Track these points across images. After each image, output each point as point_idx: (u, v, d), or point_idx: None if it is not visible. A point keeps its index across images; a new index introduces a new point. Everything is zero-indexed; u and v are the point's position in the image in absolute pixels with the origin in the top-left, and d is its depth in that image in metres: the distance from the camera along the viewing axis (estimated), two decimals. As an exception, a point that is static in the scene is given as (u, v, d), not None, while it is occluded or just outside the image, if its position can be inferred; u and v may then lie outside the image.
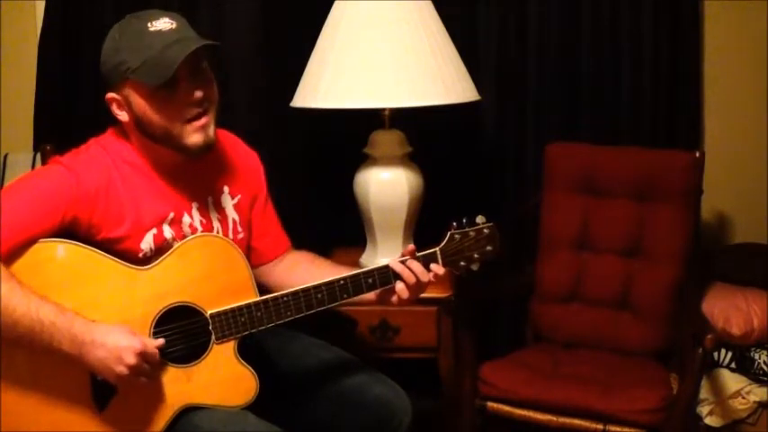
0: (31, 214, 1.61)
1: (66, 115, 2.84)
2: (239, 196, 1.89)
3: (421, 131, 2.60)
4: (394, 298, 1.79)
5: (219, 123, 1.76)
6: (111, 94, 1.69)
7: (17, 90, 2.95)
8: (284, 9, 2.78)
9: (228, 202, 1.86)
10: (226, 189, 1.86)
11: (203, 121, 1.68)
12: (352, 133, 2.54)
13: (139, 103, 1.66)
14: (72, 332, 1.56)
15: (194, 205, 1.79)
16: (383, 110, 2.44)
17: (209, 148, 1.73)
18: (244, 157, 1.95)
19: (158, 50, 1.61)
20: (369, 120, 2.47)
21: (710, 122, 2.89)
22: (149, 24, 1.64)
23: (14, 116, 2.97)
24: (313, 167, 2.88)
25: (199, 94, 1.66)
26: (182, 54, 1.60)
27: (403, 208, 2.45)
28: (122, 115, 1.70)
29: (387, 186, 2.44)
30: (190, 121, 1.67)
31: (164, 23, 1.65)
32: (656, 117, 2.77)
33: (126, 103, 1.68)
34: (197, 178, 1.80)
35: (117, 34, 1.68)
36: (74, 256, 1.63)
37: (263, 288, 1.77)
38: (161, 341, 1.63)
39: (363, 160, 2.51)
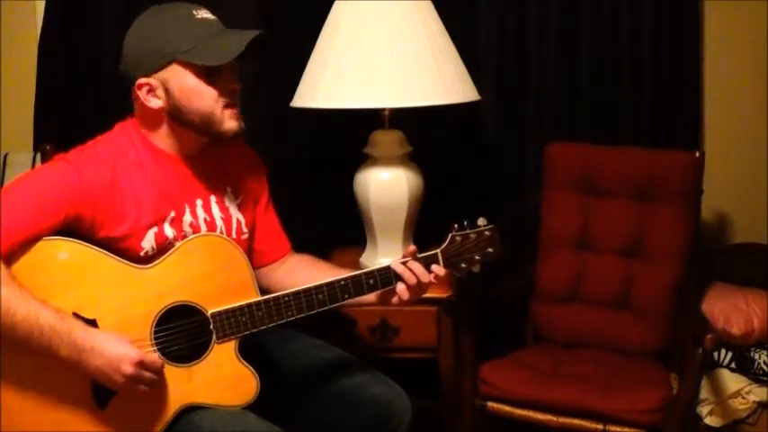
0: (35, 212, 1.61)
1: (66, 115, 2.84)
2: (242, 197, 1.89)
3: (421, 131, 2.60)
4: (395, 299, 1.79)
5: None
6: (143, 80, 1.68)
7: (17, 90, 2.96)
8: (284, 9, 2.78)
9: (232, 202, 1.86)
10: (229, 189, 1.87)
11: (237, 109, 1.73)
12: (352, 133, 2.54)
13: (182, 84, 1.67)
14: (71, 338, 1.56)
15: (198, 202, 1.79)
16: (383, 110, 2.44)
17: (241, 134, 1.76)
18: (247, 160, 1.95)
19: (211, 36, 1.66)
20: (369, 120, 2.47)
21: (710, 122, 2.89)
22: (195, 12, 1.68)
23: (14, 116, 2.97)
24: (313, 167, 2.88)
25: (237, 85, 1.72)
26: (242, 42, 1.65)
27: (403, 208, 2.45)
28: (154, 101, 1.70)
29: (387, 186, 2.44)
30: (227, 107, 1.70)
31: (207, 14, 1.70)
32: (656, 117, 2.77)
33: (162, 88, 1.68)
34: (202, 177, 1.80)
35: (158, 18, 1.69)
36: (76, 255, 1.63)
37: (263, 290, 1.77)
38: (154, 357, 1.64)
39: (363, 160, 2.51)
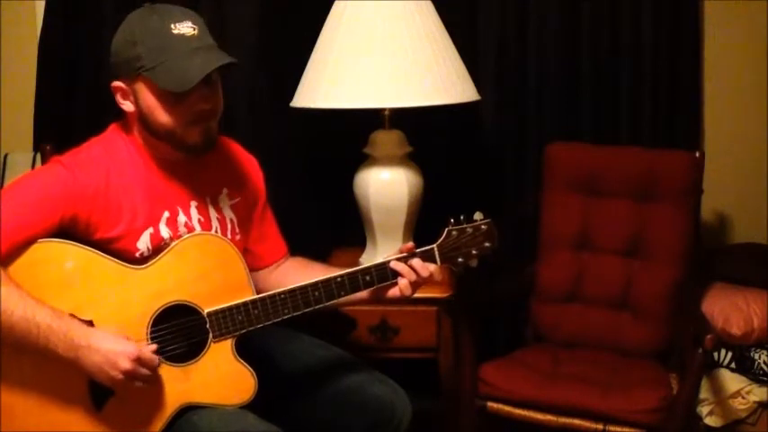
0: (31, 214, 1.61)
1: (66, 115, 2.84)
2: (238, 199, 1.89)
3: (421, 131, 2.60)
4: (392, 291, 1.79)
5: (220, 124, 1.76)
6: (118, 83, 1.69)
7: (17, 90, 2.96)
8: (284, 9, 2.78)
9: (226, 203, 1.86)
10: (225, 191, 1.86)
11: (206, 123, 1.69)
12: (352, 133, 2.54)
13: (147, 100, 1.66)
14: (68, 336, 1.56)
15: (193, 204, 1.78)
16: (383, 110, 2.44)
17: (210, 147, 1.74)
18: (244, 163, 1.95)
19: (179, 56, 1.61)
20: (369, 120, 2.47)
21: (710, 122, 2.89)
22: (172, 26, 1.63)
23: (14, 116, 2.97)
24: (313, 167, 2.88)
25: (206, 106, 1.67)
26: (204, 70, 1.61)
27: (403, 208, 2.45)
28: (127, 105, 1.70)
29: (387, 186, 2.44)
30: (191, 124, 1.67)
31: (186, 27, 1.64)
32: (656, 117, 2.77)
33: (133, 95, 1.68)
34: (197, 178, 1.80)
35: (135, 27, 1.66)
36: (72, 257, 1.63)
37: (257, 293, 1.76)
38: (153, 347, 1.63)
39: (363, 160, 2.51)
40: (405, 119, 2.48)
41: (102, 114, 2.72)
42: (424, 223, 2.52)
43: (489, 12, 2.79)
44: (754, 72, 2.85)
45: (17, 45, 2.97)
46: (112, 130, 1.78)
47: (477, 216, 1.81)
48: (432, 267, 1.78)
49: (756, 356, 2.50)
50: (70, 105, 2.84)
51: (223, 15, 2.75)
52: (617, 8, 2.74)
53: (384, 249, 2.49)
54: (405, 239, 2.49)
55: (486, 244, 1.81)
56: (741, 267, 2.71)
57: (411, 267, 1.77)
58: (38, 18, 2.90)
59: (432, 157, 2.64)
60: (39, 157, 2.63)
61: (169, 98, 1.64)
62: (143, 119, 1.69)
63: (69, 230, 1.65)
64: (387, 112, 2.46)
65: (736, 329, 2.50)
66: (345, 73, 2.31)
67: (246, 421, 1.68)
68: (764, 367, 2.49)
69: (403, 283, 1.77)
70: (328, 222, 2.83)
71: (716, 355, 2.54)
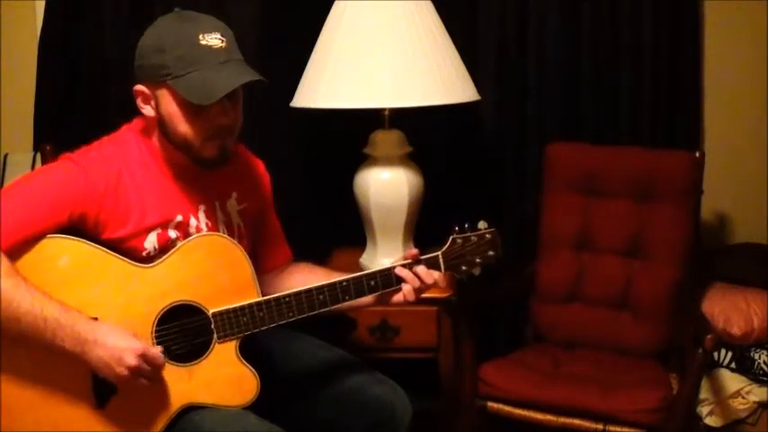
0: (39, 210, 1.61)
1: (66, 115, 2.84)
2: (245, 204, 1.89)
3: (421, 131, 2.60)
4: (397, 297, 1.80)
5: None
6: (140, 87, 1.69)
7: (17, 90, 2.96)
8: (284, 9, 2.78)
9: (234, 208, 1.86)
10: (234, 195, 1.87)
11: (224, 140, 1.70)
12: (352, 133, 2.54)
13: (169, 108, 1.66)
14: (75, 330, 1.56)
15: (201, 208, 1.79)
16: (383, 110, 2.44)
17: (224, 163, 1.74)
18: (251, 167, 1.95)
19: (205, 68, 1.62)
20: (369, 120, 2.47)
21: (710, 122, 2.89)
22: (201, 36, 1.63)
23: (14, 116, 2.97)
24: (313, 168, 2.88)
25: (227, 121, 1.68)
26: (229, 86, 1.61)
27: (403, 208, 2.45)
28: (147, 110, 1.70)
29: (387, 186, 2.44)
30: (208, 139, 1.68)
31: (215, 39, 1.64)
32: (656, 117, 2.77)
33: (154, 100, 1.68)
34: (207, 182, 1.80)
35: (164, 33, 1.66)
36: (78, 253, 1.63)
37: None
38: (160, 349, 1.63)
39: (363, 160, 2.51)
40: (405, 119, 2.48)
41: (103, 115, 2.76)
42: (424, 223, 2.53)
43: (489, 12, 2.79)
44: (755, 72, 2.85)
45: (17, 45, 2.97)
46: (126, 129, 1.78)
47: (482, 225, 1.82)
48: (436, 275, 1.79)
49: (756, 356, 2.50)
50: (70, 105, 2.84)
51: (223, 15, 2.73)
52: (617, 8, 2.74)
53: (384, 249, 2.50)
54: (405, 239, 2.50)
55: (490, 253, 1.81)
56: (741, 267, 2.72)
57: (416, 274, 1.78)
58: (38, 18, 2.90)
59: (432, 157, 2.65)
60: (39, 157, 2.63)
61: (190, 109, 1.64)
62: (162, 126, 1.69)
63: (78, 228, 1.65)
64: (387, 112, 2.46)
65: (736, 329, 2.50)
66: (345, 73, 2.31)
67: (248, 421, 1.68)
68: (764, 367, 2.49)
69: (407, 289, 1.78)
70: (328, 222, 2.83)
71: (716, 355, 2.54)
